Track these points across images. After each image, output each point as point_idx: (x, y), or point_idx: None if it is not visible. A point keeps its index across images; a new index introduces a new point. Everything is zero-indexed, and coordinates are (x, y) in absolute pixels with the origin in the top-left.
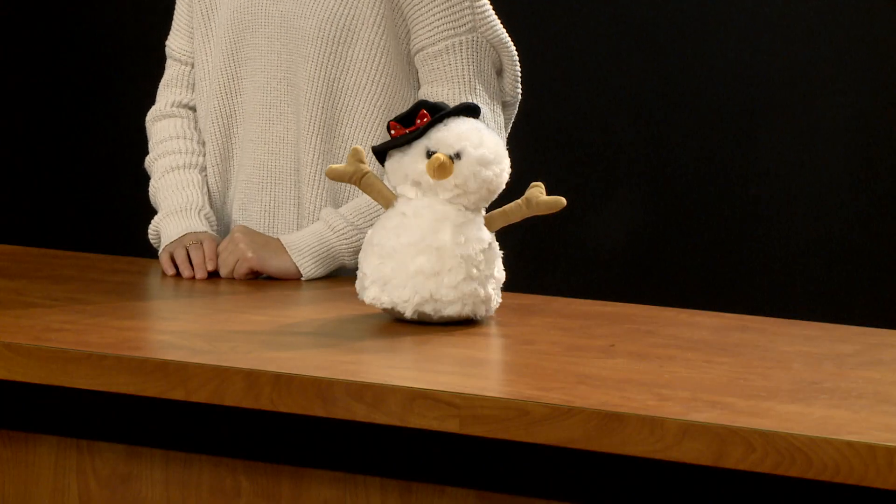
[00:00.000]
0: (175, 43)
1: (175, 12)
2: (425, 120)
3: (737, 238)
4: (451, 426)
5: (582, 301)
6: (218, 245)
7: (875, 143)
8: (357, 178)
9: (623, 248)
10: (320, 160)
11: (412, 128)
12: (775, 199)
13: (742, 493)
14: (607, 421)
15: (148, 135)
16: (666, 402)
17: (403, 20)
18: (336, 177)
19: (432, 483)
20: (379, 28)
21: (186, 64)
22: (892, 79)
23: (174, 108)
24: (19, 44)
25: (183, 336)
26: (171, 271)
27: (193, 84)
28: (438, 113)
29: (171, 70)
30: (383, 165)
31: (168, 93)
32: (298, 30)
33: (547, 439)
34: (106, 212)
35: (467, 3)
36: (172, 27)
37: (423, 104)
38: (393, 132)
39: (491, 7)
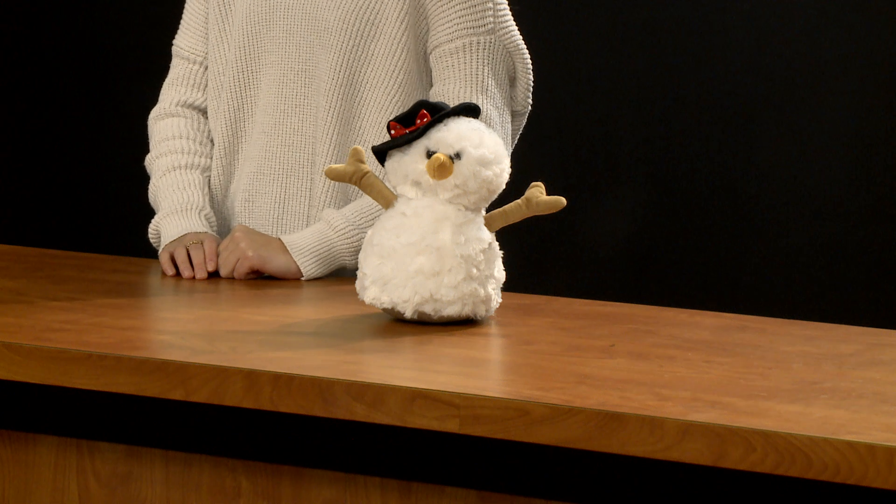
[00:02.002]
0: (184, 42)
1: (186, 11)
2: (425, 120)
3: (737, 238)
4: (451, 426)
5: (582, 301)
6: (218, 245)
7: (874, 143)
8: (357, 178)
9: (623, 248)
10: (336, 152)
11: (412, 128)
12: (775, 198)
13: (742, 493)
14: (607, 421)
15: (149, 133)
16: (666, 402)
17: (425, 18)
18: (336, 177)
19: (432, 483)
20: (402, 24)
21: (194, 63)
22: (893, 79)
23: (178, 108)
24: (20, 43)
25: (183, 336)
26: (171, 271)
27: (201, 83)
28: (438, 113)
29: (178, 69)
30: (383, 165)
31: (173, 92)
32: (321, 21)
33: (547, 439)
34: (106, 212)
35: (490, 5)
36: (182, 25)
37: (423, 104)
38: (393, 132)
39: (511, 14)
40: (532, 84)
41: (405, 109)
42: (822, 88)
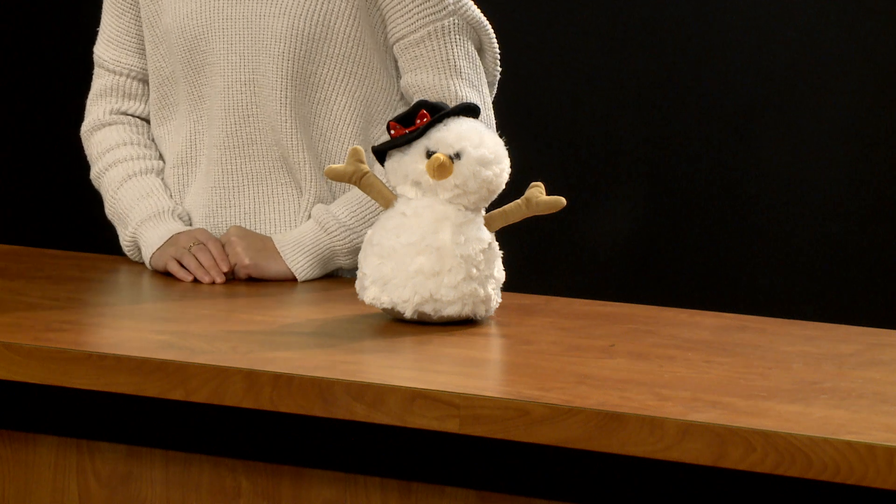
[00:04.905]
0: (108, 53)
1: (104, 21)
2: (425, 120)
3: (737, 238)
4: (451, 426)
5: (582, 301)
6: (221, 245)
7: (875, 143)
8: (357, 179)
9: (623, 248)
10: (307, 154)
11: (412, 128)
12: (775, 198)
13: (742, 493)
14: (607, 421)
15: (87, 147)
16: (666, 402)
17: (378, 9)
18: (335, 177)
19: (432, 483)
20: (354, 20)
21: (122, 75)
22: (892, 79)
23: (114, 116)
24: (20, 43)
25: (183, 336)
26: (188, 277)
27: (134, 94)
28: (438, 113)
29: (104, 80)
30: (383, 165)
31: (103, 102)
32: (266, 29)
33: (547, 439)
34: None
35: None
36: (102, 35)
37: (422, 104)
38: (393, 132)
39: None
40: (498, 53)
41: (369, 104)
42: (822, 88)
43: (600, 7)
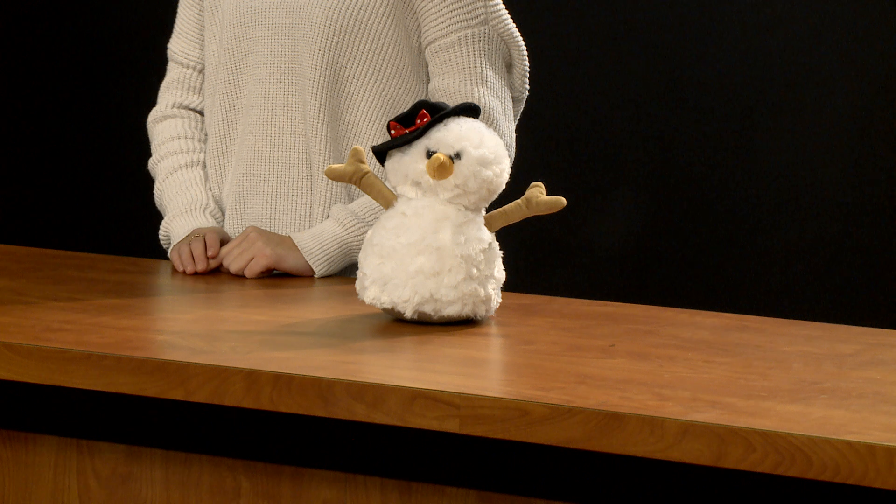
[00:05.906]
0: (177, 46)
1: (178, 14)
2: (425, 120)
3: (737, 238)
4: (451, 426)
5: (582, 301)
6: (221, 237)
7: (875, 143)
8: (357, 178)
9: (623, 248)
10: (330, 148)
11: (412, 128)
12: (775, 199)
13: (742, 493)
14: (607, 421)
15: (150, 137)
16: (666, 402)
17: (413, 13)
18: (336, 177)
19: (432, 483)
20: (388, 18)
21: (188, 67)
22: (892, 79)
23: (175, 109)
24: (20, 43)
25: (183, 336)
26: (181, 269)
27: (196, 87)
28: (438, 113)
29: (173, 73)
30: (383, 165)
31: (169, 94)
32: (305, 19)
33: (547, 439)
34: (106, 212)
35: None
36: (175, 29)
37: (423, 104)
38: (393, 132)
39: (502, 1)
40: (528, 70)
41: (396, 103)
42: (822, 88)
43: (600, 8)
